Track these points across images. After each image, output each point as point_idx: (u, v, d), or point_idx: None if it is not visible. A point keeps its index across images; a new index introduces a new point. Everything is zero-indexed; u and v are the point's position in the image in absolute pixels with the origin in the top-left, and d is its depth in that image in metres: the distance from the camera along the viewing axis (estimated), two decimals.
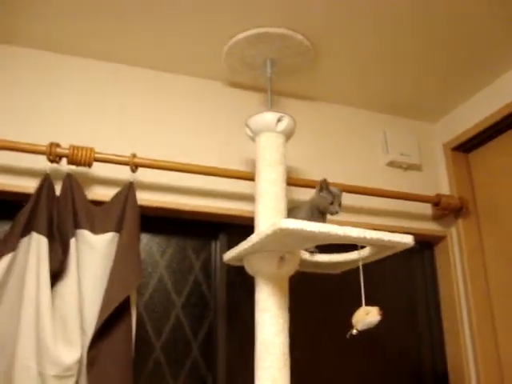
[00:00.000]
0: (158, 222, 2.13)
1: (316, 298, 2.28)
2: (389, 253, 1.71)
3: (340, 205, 1.74)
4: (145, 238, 2.13)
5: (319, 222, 1.71)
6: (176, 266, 2.15)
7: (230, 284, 2.16)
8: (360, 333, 1.55)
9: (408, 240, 1.61)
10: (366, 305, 1.57)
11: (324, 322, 2.21)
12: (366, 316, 1.51)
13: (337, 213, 1.72)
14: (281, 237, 1.48)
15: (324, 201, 1.72)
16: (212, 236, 2.21)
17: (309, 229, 1.43)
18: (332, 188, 1.74)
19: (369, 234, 1.52)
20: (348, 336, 1.54)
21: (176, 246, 2.17)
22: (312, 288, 2.26)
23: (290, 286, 1.77)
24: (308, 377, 2.15)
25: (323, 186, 1.72)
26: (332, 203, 1.71)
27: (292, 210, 1.84)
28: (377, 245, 1.62)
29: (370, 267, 1.81)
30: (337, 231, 1.47)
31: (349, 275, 1.76)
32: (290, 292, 1.76)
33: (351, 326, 1.55)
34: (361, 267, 1.62)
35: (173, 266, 2.14)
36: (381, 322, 2.31)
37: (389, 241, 1.56)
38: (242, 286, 2.07)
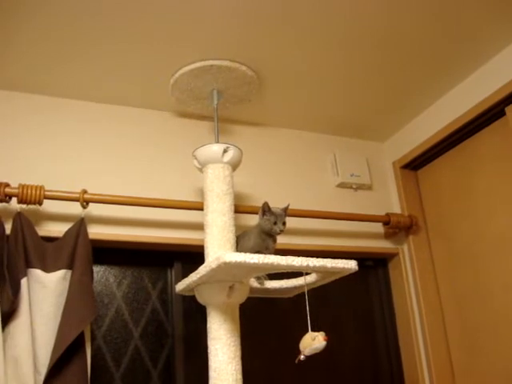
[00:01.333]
0: (113, 253, 2.15)
1: (271, 321, 2.32)
2: (335, 277, 1.76)
3: (284, 223, 1.80)
4: (101, 270, 2.15)
5: (269, 244, 1.80)
6: (133, 296, 2.17)
7: (188, 311, 2.19)
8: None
9: (351, 265, 1.66)
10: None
11: (280, 345, 2.26)
12: (313, 342, 1.55)
13: (281, 231, 1.79)
14: (226, 269, 1.52)
15: (268, 223, 1.78)
16: (168, 264, 2.24)
17: (251, 261, 1.47)
18: (274, 208, 1.80)
19: (311, 262, 1.57)
20: (296, 361, 1.58)
21: (132, 276, 2.19)
22: (267, 311, 2.30)
23: (245, 310, 1.82)
24: None
25: (265, 208, 1.79)
26: (275, 223, 1.78)
27: (242, 237, 1.89)
28: (321, 271, 1.67)
29: (327, 285, 1.87)
30: (279, 261, 1.51)
31: (303, 297, 1.79)
32: (246, 316, 1.80)
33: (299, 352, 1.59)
34: (306, 293, 1.66)
35: (129, 296, 2.16)
36: (339, 336, 2.38)
37: (332, 267, 1.61)
38: (199, 312, 2.10)
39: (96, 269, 2.12)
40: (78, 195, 1.91)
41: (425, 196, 2.61)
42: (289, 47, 1.98)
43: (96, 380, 1.94)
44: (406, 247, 2.55)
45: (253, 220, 2.15)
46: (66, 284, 1.78)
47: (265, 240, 1.81)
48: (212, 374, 1.67)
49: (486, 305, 2.19)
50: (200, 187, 2.14)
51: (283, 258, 1.53)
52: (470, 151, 2.34)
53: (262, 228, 1.81)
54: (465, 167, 2.35)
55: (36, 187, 1.86)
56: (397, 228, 2.48)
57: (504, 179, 2.15)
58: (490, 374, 2.15)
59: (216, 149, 1.91)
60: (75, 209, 1.94)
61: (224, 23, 1.82)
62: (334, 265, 1.61)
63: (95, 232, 1.99)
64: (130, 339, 2.10)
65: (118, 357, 2.07)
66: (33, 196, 1.84)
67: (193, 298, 1.82)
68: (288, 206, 1.85)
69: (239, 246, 1.85)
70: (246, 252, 1.56)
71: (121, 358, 2.07)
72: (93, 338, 2.00)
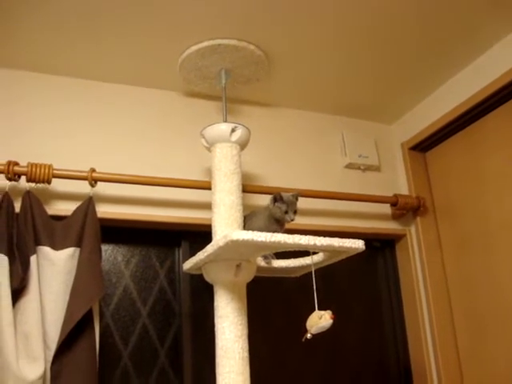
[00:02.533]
0: (122, 232, 2.16)
1: (278, 301, 2.33)
2: (342, 257, 1.77)
3: (295, 212, 1.79)
4: (109, 249, 2.16)
5: (277, 229, 1.78)
6: (141, 275, 2.18)
7: (195, 290, 2.20)
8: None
9: (359, 245, 1.66)
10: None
11: (286, 324, 2.27)
12: (319, 320, 1.56)
13: (292, 220, 1.78)
14: (234, 247, 1.53)
15: (279, 211, 1.77)
16: (175, 244, 2.25)
17: (259, 239, 1.48)
18: (286, 196, 1.78)
19: (318, 241, 1.58)
20: (303, 340, 1.59)
21: (140, 255, 2.21)
22: (274, 291, 2.32)
23: (252, 289, 1.83)
24: (271, 379, 2.20)
25: (277, 197, 1.78)
26: (287, 212, 1.76)
27: (250, 217, 1.89)
28: (328, 250, 1.67)
29: (334, 266, 1.88)
30: (286, 240, 1.52)
31: (310, 276, 1.80)
32: (253, 296, 1.81)
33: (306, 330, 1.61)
34: (313, 272, 1.67)
35: (137, 275, 2.18)
36: (346, 317, 2.39)
37: (339, 246, 1.62)
38: (206, 291, 2.11)
39: (104, 247, 2.14)
40: (86, 174, 1.92)
41: (433, 178, 2.60)
42: (297, 27, 1.96)
43: (104, 358, 1.96)
44: (413, 229, 2.55)
45: (261, 200, 2.17)
46: (75, 262, 1.79)
47: (273, 224, 1.80)
48: (219, 352, 1.69)
49: (494, 289, 2.19)
50: (208, 166, 2.14)
51: (290, 236, 1.53)
52: (479, 133, 2.32)
53: (272, 215, 1.80)
54: (474, 149, 2.34)
55: (45, 166, 1.86)
56: (404, 209, 2.47)
57: None
58: (495, 358, 2.16)
59: (224, 128, 1.91)
60: (84, 187, 1.94)
61: (232, 2, 1.81)
62: (341, 244, 1.62)
63: (103, 211, 2.00)
64: (138, 318, 2.12)
65: (125, 335, 2.09)
66: (41, 175, 1.85)
67: (200, 277, 1.83)
68: (299, 193, 1.84)
69: (247, 226, 1.85)
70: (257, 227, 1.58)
71: (129, 336, 2.09)
72: (101, 316, 2.01)
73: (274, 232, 1.72)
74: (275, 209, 1.78)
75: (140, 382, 2.05)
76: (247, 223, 1.87)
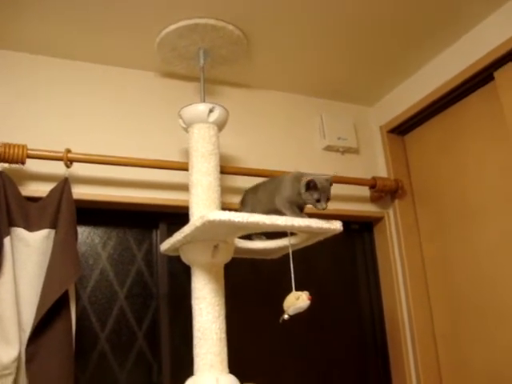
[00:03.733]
0: (99, 214, 2.14)
1: (257, 282, 2.34)
2: (320, 238, 1.77)
3: (328, 199, 1.66)
4: (85, 231, 2.14)
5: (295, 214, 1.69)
6: (118, 257, 2.16)
7: (173, 272, 2.19)
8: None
9: (336, 226, 1.67)
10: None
11: (264, 306, 2.27)
12: (296, 301, 1.56)
13: (324, 209, 1.64)
14: (211, 228, 1.52)
15: (310, 199, 1.63)
16: (153, 226, 2.23)
17: (236, 219, 1.47)
18: (320, 182, 1.63)
19: (296, 221, 1.58)
20: (280, 321, 1.59)
21: (117, 237, 2.19)
22: (252, 272, 2.32)
23: (230, 270, 1.82)
24: (249, 360, 2.20)
25: (310, 185, 1.62)
26: (319, 200, 1.63)
27: (276, 186, 1.79)
28: (306, 231, 1.67)
29: (312, 248, 1.88)
30: (264, 220, 1.51)
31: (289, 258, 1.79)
32: (231, 277, 1.81)
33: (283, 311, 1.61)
34: (290, 253, 1.67)
35: (115, 257, 2.16)
36: (324, 298, 2.40)
37: (317, 227, 1.62)
38: (184, 273, 2.10)
39: (81, 229, 2.11)
40: (61, 154, 1.89)
41: (411, 161, 2.61)
42: (276, 6, 1.94)
43: (81, 340, 1.95)
44: (391, 211, 2.56)
45: (240, 181, 2.18)
46: (50, 243, 1.77)
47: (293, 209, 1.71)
48: (196, 333, 1.69)
49: (470, 271, 2.21)
50: (186, 147, 2.12)
51: (268, 217, 1.53)
52: (457, 116, 2.33)
53: (303, 201, 1.67)
54: (452, 132, 2.35)
55: (18, 146, 1.83)
56: (383, 192, 2.48)
57: (491, 145, 2.15)
58: (472, 340, 2.19)
59: (202, 108, 1.89)
60: (59, 168, 1.91)
61: None
62: (318, 225, 1.62)
63: (79, 192, 1.97)
64: (116, 300, 2.11)
65: (103, 317, 2.07)
66: (15, 155, 1.81)
67: (178, 259, 1.82)
68: (332, 176, 1.71)
69: (278, 190, 1.76)
70: (283, 199, 1.59)
71: (106, 318, 2.08)
72: (78, 299, 2.00)
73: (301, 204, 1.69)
74: (307, 196, 1.64)
75: (118, 365, 2.04)
76: (277, 188, 1.77)
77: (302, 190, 1.64)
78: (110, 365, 2.04)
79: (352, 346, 2.47)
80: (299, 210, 1.70)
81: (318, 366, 2.35)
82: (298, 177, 1.70)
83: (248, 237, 1.86)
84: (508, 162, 2.06)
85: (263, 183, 1.89)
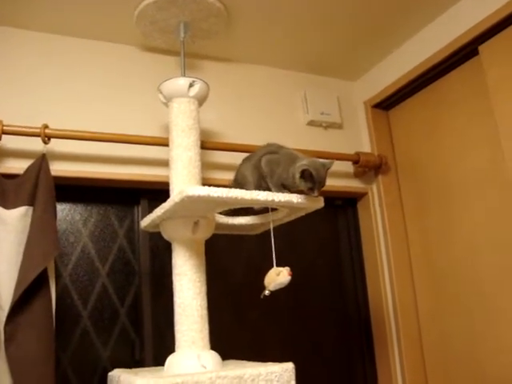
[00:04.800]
0: (79, 191, 2.11)
1: (239, 258, 2.33)
2: (301, 214, 1.76)
3: (322, 187, 1.59)
4: (66, 208, 2.11)
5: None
6: (99, 234, 2.14)
7: (155, 249, 2.18)
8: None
9: (318, 202, 1.65)
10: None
11: (247, 282, 2.27)
12: (277, 277, 1.55)
13: (316, 197, 1.60)
14: (190, 203, 1.50)
15: (304, 186, 1.57)
16: (134, 202, 2.21)
17: (215, 195, 1.45)
18: (316, 172, 1.56)
19: (277, 196, 1.56)
20: (262, 297, 1.58)
21: (98, 214, 2.16)
22: (234, 248, 2.31)
23: (211, 246, 1.81)
24: (232, 336, 2.21)
25: (305, 175, 1.56)
26: (312, 189, 1.57)
27: (275, 161, 1.71)
28: (287, 207, 1.65)
29: (294, 224, 1.87)
30: (244, 196, 1.50)
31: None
32: (212, 253, 1.79)
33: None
34: (271, 229, 1.66)
35: (96, 234, 2.14)
36: (307, 275, 2.41)
37: (298, 203, 1.60)
38: (166, 250, 2.08)
39: (61, 207, 2.09)
40: (38, 130, 1.85)
41: (395, 136, 2.60)
42: None
43: (63, 318, 1.94)
44: (375, 187, 2.55)
45: (222, 156, 2.17)
46: (28, 221, 1.74)
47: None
48: (177, 309, 1.68)
49: (453, 247, 2.22)
50: (166, 123, 2.08)
51: (248, 192, 1.51)
52: (441, 91, 2.32)
53: (295, 185, 1.60)
54: (436, 107, 2.34)
55: None
56: (366, 167, 2.47)
57: (475, 120, 2.14)
58: (453, 314, 2.20)
59: (182, 82, 1.85)
60: (36, 145, 1.88)
61: None
62: (299, 200, 1.60)
63: (58, 169, 1.94)
64: (97, 277, 2.09)
65: (84, 295, 2.06)
66: None
67: (160, 236, 1.80)
68: (332, 163, 1.63)
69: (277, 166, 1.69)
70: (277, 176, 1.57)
71: (88, 296, 2.06)
72: (59, 277, 1.99)
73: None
74: (300, 182, 1.57)
75: (100, 342, 2.03)
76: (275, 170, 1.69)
77: (297, 176, 1.57)
78: (93, 342, 2.03)
79: (335, 323, 2.48)
80: (287, 190, 1.64)
81: (300, 342, 2.36)
82: (292, 158, 1.65)
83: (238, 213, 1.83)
84: (491, 137, 2.05)
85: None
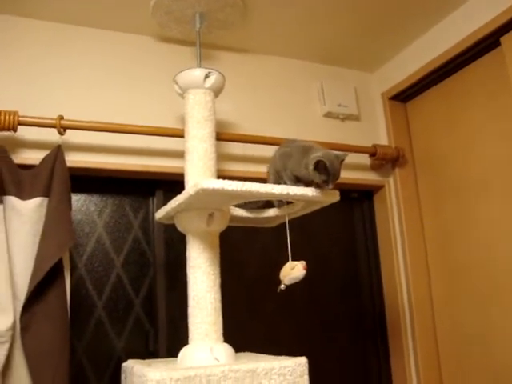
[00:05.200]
0: (94, 182, 2.11)
1: (254, 251, 2.33)
2: (317, 207, 1.74)
3: (337, 179, 1.56)
4: (81, 199, 2.11)
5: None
6: (114, 225, 2.15)
7: (170, 240, 2.17)
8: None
9: (334, 195, 1.64)
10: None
11: (262, 274, 2.26)
12: (292, 271, 1.54)
13: (330, 189, 1.57)
14: (205, 196, 1.49)
15: (318, 178, 1.54)
16: (149, 193, 2.21)
17: (230, 188, 1.44)
18: (331, 163, 1.52)
19: (292, 190, 1.54)
20: (278, 291, 1.57)
21: (113, 204, 2.16)
22: (250, 240, 2.30)
23: (227, 239, 1.80)
24: (247, 330, 2.21)
25: (320, 166, 1.52)
26: (326, 181, 1.54)
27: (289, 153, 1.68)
28: (303, 200, 1.64)
29: (310, 216, 1.85)
30: (259, 189, 1.48)
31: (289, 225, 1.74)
32: (228, 245, 1.78)
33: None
34: (287, 222, 1.65)
35: (111, 225, 2.14)
36: (322, 268, 2.39)
37: (313, 196, 1.59)
38: (181, 241, 2.07)
39: (76, 197, 2.09)
40: (54, 121, 1.85)
41: (413, 129, 2.57)
42: None
43: (78, 308, 1.95)
44: (391, 180, 2.52)
45: (236, 148, 2.15)
46: (43, 212, 1.75)
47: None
48: (191, 302, 1.68)
49: (469, 242, 2.19)
50: (182, 114, 2.08)
51: (263, 185, 1.50)
52: (461, 84, 2.28)
53: (310, 177, 1.57)
54: (455, 100, 2.30)
55: (10, 112, 1.79)
56: (383, 160, 2.44)
57: (496, 114, 2.09)
58: (468, 309, 2.18)
59: (198, 73, 1.84)
60: (52, 135, 1.87)
61: None
62: (315, 193, 1.59)
63: (74, 160, 1.94)
64: (112, 268, 2.10)
65: (99, 286, 2.06)
66: (6, 122, 1.78)
67: (175, 227, 1.79)
68: (346, 155, 1.60)
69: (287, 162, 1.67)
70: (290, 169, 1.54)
71: (103, 286, 2.07)
72: (74, 267, 2.00)
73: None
74: (314, 174, 1.54)
75: (115, 333, 2.04)
76: (287, 163, 1.67)
77: (310, 167, 1.54)
78: (107, 333, 2.04)
79: (350, 316, 2.46)
80: (302, 183, 1.62)
81: (314, 335, 2.35)
82: (306, 150, 1.61)
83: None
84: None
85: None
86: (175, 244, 2.16)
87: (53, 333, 1.66)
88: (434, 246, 2.38)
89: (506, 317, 2.01)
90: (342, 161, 1.58)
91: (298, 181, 1.62)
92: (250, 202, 1.76)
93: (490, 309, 2.08)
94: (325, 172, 1.53)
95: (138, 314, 2.09)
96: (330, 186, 1.55)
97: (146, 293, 2.12)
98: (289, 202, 1.73)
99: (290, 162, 1.65)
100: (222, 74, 1.89)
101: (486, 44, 2.11)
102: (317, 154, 1.54)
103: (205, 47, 2.20)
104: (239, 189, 1.45)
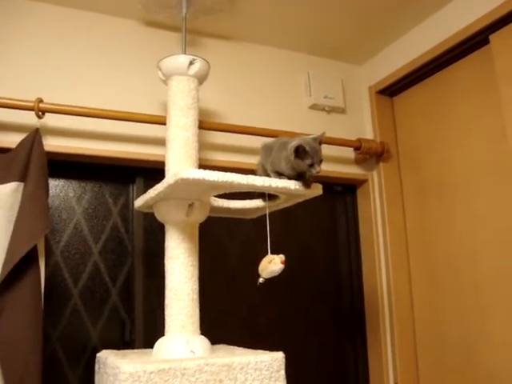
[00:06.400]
0: (73, 167, 2.07)
1: (235, 242, 2.30)
2: (299, 200, 1.72)
3: (321, 161, 1.54)
4: (59, 184, 2.07)
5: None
6: (93, 212, 2.11)
7: (149, 229, 2.14)
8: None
9: (316, 189, 1.61)
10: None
11: (243, 266, 2.24)
12: (269, 265, 1.51)
13: (318, 173, 1.54)
14: (185, 186, 1.46)
15: (302, 165, 1.52)
16: (129, 180, 2.17)
17: (210, 178, 1.41)
18: (309, 145, 1.51)
19: (274, 182, 1.52)
20: (257, 285, 1.55)
21: (92, 191, 2.12)
22: (231, 232, 2.27)
23: (209, 231, 1.77)
24: (226, 322, 2.19)
25: (299, 150, 1.50)
26: (312, 165, 1.52)
27: (272, 150, 1.66)
28: (284, 193, 1.61)
29: (292, 209, 1.83)
30: (240, 180, 1.45)
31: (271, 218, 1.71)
32: (210, 237, 1.75)
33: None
34: (267, 215, 1.62)
35: (89, 211, 2.10)
36: (304, 260, 2.38)
37: (295, 189, 1.56)
38: (161, 230, 2.05)
39: (54, 183, 2.05)
40: (32, 104, 1.80)
41: (399, 124, 2.55)
42: None
43: (53, 296, 1.92)
44: (375, 174, 2.51)
45: (220, 138, 2.12)
46: (19, 197, 1.70)
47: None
48: (168, 293, 1.65)
49: (452, 238, 2.18)
50: (164, 101, 2.04)
51: (244, 176, 1.47)
52: (449, 80, 2.26)
53: (294, 168, 1.55)
54: (442, 96, 2.28)
55: None
56: (367, 154, 2.42)
57: (482, 111, 2.08)
58: (447, 305, 2.18)
59: (182, 60, 1.80)
60: (30, 119, 1.83)
61: None
62: (297, 187, 1.56)
63: (53, 144, 1.90)
64: (89, 256, 2.06)
65: (76, 273, 2.03)
66: None
67: (154, 216, 1.76)
68: (323, 135, 1.59)
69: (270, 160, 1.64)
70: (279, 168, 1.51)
71: (79, 274, 2.03)
72: (50, 254, 1.96)
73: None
74: (297, 162, 1.52)
75: (91, 322, 2.01)
76: (269, 157, 1.65)
77: (292, 158, 1.51)
78: (83, 321, 2.00)
79: (330, 309, 2.46)
80: (299, 176, 1.58)
81: (294, 327, 2.34)
82: (283, 144, 1.59)
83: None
84: (497, 130, 2.00)
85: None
86: (155, 233, 2.12)
87: (25, 320, 1.62)
88: (416, 242, 2.37)
89: (485, 313, 2.01)
90: (321, 141, 1.56)
91: (280, 176, 1.59)
92: None
93: (469, 306, 2.08)
94: (306, 156, 1.51)
95: (115, 304, 2.06)
96: (317, 169, 1.53)
97: (124, 282, 2.09)
98: (270, 195, 1.70)
99: (271, 156, 1.63)
100: (206, 62, 1.85)
101: (475, 41, 2.09)
102: (293, 143, 1.52)
103: (190, 33, 2.16)
104: (220, 179, 1.42)
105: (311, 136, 1.57)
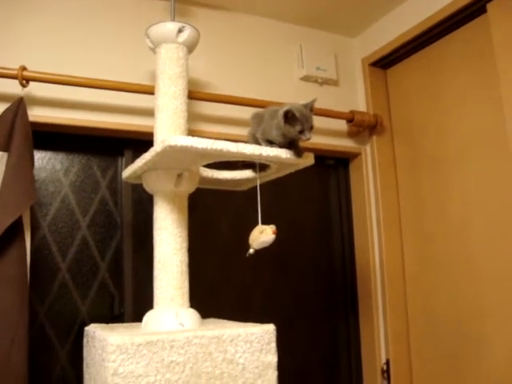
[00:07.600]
0: (60, 138, 2.02)
1: (226, 214, 2.27)
2: (290, 170, 1.69)
3: (312, 128, 1.50)
4: (46, 156, 2.02)
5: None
6: (81, 185, 2.06)
7: (138, 201, 2.11)
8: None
9: (308, 159, 1.59)
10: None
11: (234, 238, 2.21)
12: (260, 235, 1.48)
13: (308, 139, 1.50)
14: (173, 154, 1.42)
15: (292, 131, 1.48)
16: (118, 152, 2.12)
17: (199, 146, 1.37)
18: (299, 111, 1.48)
19: (265, 151, 1.48)
20: (247, 255, 1.52)
21: (80, 163, 2.08)
22: (222, 203, 2.24)
23: (199, 202, 1.72)
24: (217, 294, 2.16)
25: (288, 115, 1.47)
26: (302, 131, 1.48)
27: (262, 119, 1.62)
28: (276, 162, 1.58)
29: (285, 181, 1.81)
30: (230, 148, 1.41)
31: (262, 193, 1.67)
32: (201, 208, 1.71)
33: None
34: (258, 185, 1.59)
35: (77, 184, 2.06)
36: (296, 234, 2.35)
37: (287, 158, 1.52)
38: (149, 203, 2.01)
39: (41, 154, 2.00)
40: (15, 72, 1.74)
41: (392, 96, 2.51)
42: None
43: (41, 270, 1.89)
44: (368, 148, 2.48)
45: (210, 108, 2.08)
46: (2, 167, 1.65)
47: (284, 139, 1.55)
48: (157, 264, 1.62)
49: (444, 214, 2.16)
50: (153, 70, 1.98)
51: (234, 144, 1.43)
52: (444, 51, 2.22)
53: (284, 134, 1.51)
54: (437, 68, 2.24)
55: None
56: (360, 126, 2.38)
57: (478, 83, 2.05)
58: (439, 280, 2.16)
59: (171, 27, 1.74)
60: (14, 87, 1.77)
61: None
62: (288, 156, 1.52)
63: (38, 114, 1.85)
64: (77, 229, 2.03)
65: (64, 247, 1.99)
66: None
67: (143, 188, 1.73)
68: (314, 101, 1.54)
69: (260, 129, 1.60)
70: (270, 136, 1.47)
71: (67, 248, 2.00)
72: (37, 227, 1.92)
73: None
74: (287, 129, 1.48)
75: (79, 295, 1.98)
76: (259, 126, 1.61)
77: (281, 124, 1.48)
78: (71, 296, 1.97)
79: (322, 283, 2.44)
80: (290, 145, 1.54)
81: (285, 301, 2.32)
82: (274, 112, 1.54)
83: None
84: (493, 103, 1.96)
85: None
86: (144, 205, 2.09)
87: (11, 294, 1.59)
88: (409, 216, 2.35)
89: (476, 287, 2.00)
90: (312, 108, 1.53)
91: (271, 144, 1.55)
92: None
93: (460, 282, 2.07)
94: (296, 122, 1.47)
95: (104, 277, 2.03)
96: (308, 135, 1.49)
97: (113, 255, 2.06)
98: (261, 166, 1.66)
99: (261, 125, 1.59)
100: (196, 30, 1.80)
101: (471, 10, 2.04)
102: (283, 109, 1.47)
103: (180, 2, 2.10)
104: (209, 147, 1.38)
105: (302, 102, 1.52)
